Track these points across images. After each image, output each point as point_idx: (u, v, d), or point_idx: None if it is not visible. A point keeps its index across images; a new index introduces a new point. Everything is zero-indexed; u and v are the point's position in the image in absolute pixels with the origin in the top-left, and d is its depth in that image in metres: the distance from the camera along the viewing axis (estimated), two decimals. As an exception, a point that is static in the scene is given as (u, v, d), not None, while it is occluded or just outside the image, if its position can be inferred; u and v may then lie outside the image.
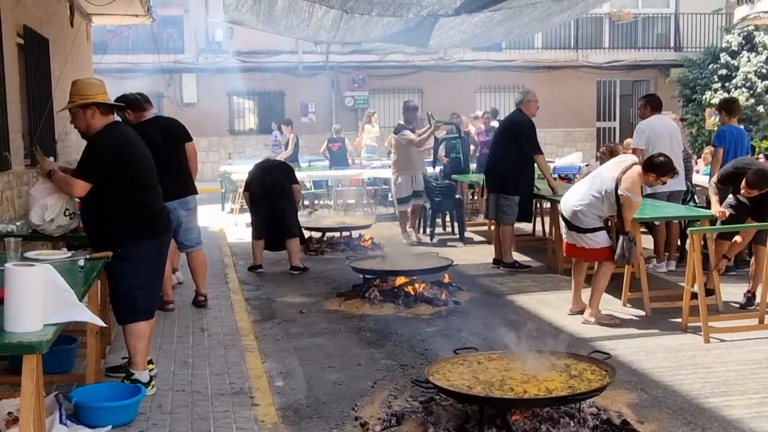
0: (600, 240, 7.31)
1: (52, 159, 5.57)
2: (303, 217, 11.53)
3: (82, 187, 5.07)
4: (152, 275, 5.35)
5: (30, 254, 5.04)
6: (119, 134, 5.24)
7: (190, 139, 7.84)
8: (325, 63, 22.48)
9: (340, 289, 8.90)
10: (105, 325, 4.00)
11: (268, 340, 7.05)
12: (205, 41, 22.25)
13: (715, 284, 7.65)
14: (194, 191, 7.84)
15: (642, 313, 7.67)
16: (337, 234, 12.10)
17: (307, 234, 12.05)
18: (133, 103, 7.36)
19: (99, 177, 5.04)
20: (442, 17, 11.48)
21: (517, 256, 10.27)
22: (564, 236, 7.75)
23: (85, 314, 3.44)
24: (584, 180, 7.79)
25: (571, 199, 7.47)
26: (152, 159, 5.41)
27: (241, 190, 13.94)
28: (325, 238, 12.00)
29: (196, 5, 21.87)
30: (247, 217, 12.11)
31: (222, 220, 14.93)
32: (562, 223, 7.68)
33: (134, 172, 5.15)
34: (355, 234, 12.12)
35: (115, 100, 7.58)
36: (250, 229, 10.79)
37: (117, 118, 5.67)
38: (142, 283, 5.22)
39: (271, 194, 9.98)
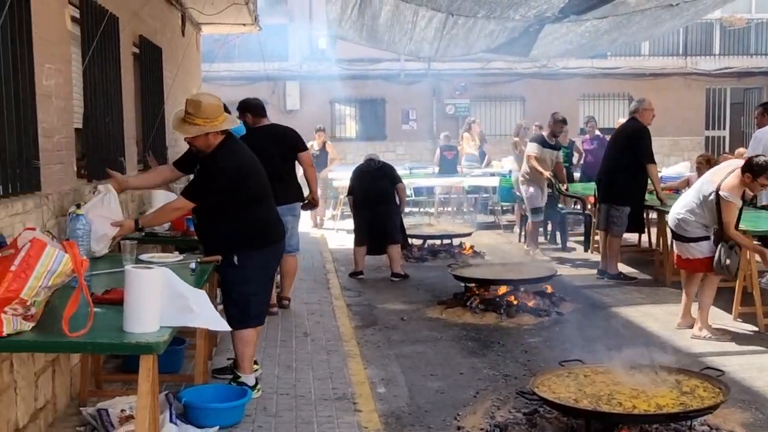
0: (704, 249, 7.06)
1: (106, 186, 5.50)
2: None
3: (191, 206, 5.16)
4: (264, 283, 5.50)
5: (144, 257, 5.20)
6: (237, 153, 5.25)
7: (305, 149, 8.01)
8: (426, 70, 22.50)
9: (440, 297, 8.88)
10: (228, 329, 4.07)
11: (370, 346, 7.09)
12: (309, 49, 22.58)
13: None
14: (301, 198, 7.97)
15: (754, 328, 7.38)
16: (437, 241, 12.07)
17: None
18: (256, 108, 7.80)
19: (216, 198, 5.13)
20: (548, 24, 11.35)
21: (622, 268, 10.04)
22: (672, 247, 7.55)
23: (199, 320, 3.51)
24: (691, 188, 7.57)
25: (676, 208, 7.29)
26: (264, 169, 5.47)
27: (342, 196, 14.10)
28: (425, 246, 12.00)
29: (300, 14, 22.23)
30: (348, 223, 12.21)
31: (323, 226, 15.10)
32: (670, 234, 7.49)
33: (251, 188, 5.25)
34: (455, 242, 12.07)
35: (238, 105, 7.90)
36: (350, 236, 10.86)
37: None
38: (255, 290, 5.35)
39: (374, 200, 10.04)
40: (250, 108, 7.75)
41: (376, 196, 10.06)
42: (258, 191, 5.31)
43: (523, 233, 12.80)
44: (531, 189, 11.45)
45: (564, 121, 11.67)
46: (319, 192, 9.14)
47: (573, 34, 12.01)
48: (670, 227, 7.40)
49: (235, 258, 5.17)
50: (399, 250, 10.32)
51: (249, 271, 5.24)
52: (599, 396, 4.73)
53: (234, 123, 5.29)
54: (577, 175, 14.72)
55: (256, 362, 5.74)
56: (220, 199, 5.11)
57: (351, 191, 10.49)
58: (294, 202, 7.81)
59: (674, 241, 7.35)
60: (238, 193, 5.13)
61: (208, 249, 5.26)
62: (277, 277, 8.67)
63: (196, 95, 5.15)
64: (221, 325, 3.73)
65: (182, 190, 5.31)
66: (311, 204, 8.14)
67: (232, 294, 5.31)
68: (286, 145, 7.76)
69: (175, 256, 5.20)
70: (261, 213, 5.35)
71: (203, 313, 3.56)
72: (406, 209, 16.91)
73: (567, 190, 11.81)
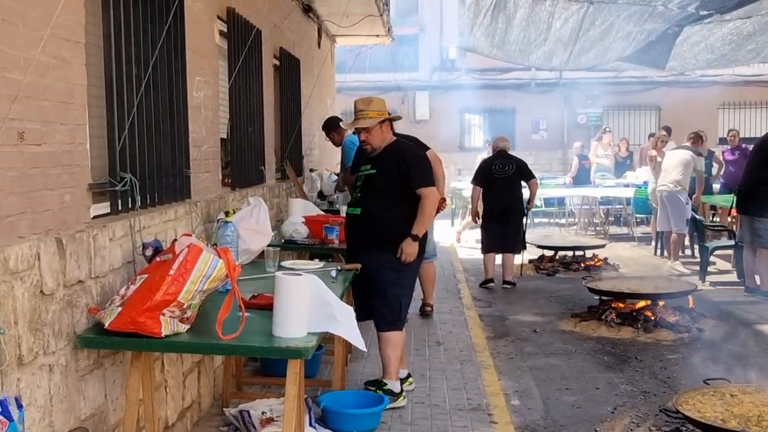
0: None
1: None
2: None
3: (435, 190, 5.42)
4: (412, 285, 5.67)
5: (285, 263, 5.34)
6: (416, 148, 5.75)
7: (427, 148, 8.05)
8: (558, 80, 22.21)
9: (574, 309, 8.73)
10: (364, 349, 4.11)
11: (503, 357, 7.03)
12: (439, 59, 22.67)
13: None
14: None
15: None
16: (570, 253, 11.87)
17: (539, 252, 11.98)
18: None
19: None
20: (687, 27, 11.00)
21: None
22: None
23: (342, 328, 3.58)
24: None
25: None
26: None
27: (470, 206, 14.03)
28: (557, 257, 11.82)
29: (431, 25, 22.35)
30: (476, 233, 12.17)
31: (452, 236, 15.08)
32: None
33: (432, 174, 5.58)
34: (588, 253, 11.84)
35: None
36: (479, 246, 10.80)
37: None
38: (407, 292, 5.52)
39: (504, 212, 9.98)
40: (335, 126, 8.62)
41: (506, 208, 9.99)
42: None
43: (659, 246, 12.43)
44: (683, 198, 11.17)
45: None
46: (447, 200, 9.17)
47: (714, 38, 11.60)
48: None
49: (395, 260, 5.30)
50: (512, 258, 10.32)
51: (405, 273, 5.40)
52: (748, 417, 4.54)
53: (398, 118, 5.73)
54: (716, 186, 14.18)
55: (410, 375, 5.83)
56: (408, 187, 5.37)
57: (477, 182, 10.37)
58: None
59: None
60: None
61: (365, 249, 5.36)
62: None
63: (363, 97, 5.53)
64: (359, 342, 3.77)
65: (414, 182, 5.34)
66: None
67: (387, 294, 5.39)
68: None
69: (316, 264, 5.32)
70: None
71: (346, 323, 3.63)
72: (536, 220, 16.88)
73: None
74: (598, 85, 21.97)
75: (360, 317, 5.57)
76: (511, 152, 10.60)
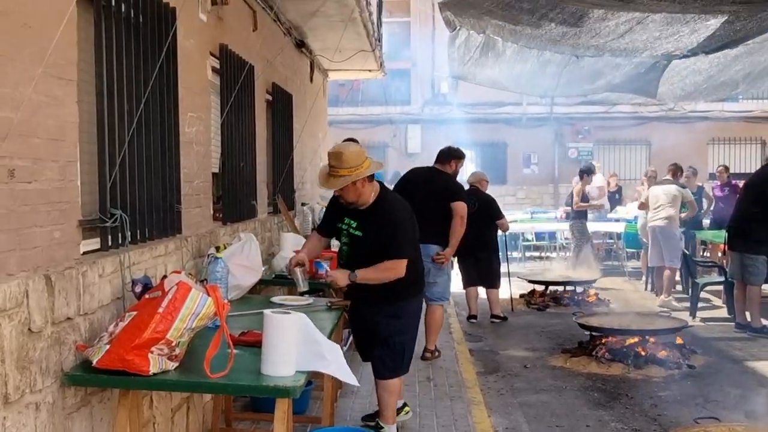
0: None
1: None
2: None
3: (404, 264, 5.01)
4: (416, 330, 5.48)
5: (275, 299, 5.34)
6: (401, 200, 5.28)
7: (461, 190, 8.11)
8: (549, 114, 22.36)
9: (564, 344, 8.72)
10: (357, 384, 4.07)
11: (493, 393, 7.01)
12: (431, 93, 22.83)
13: None
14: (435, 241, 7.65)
15: None
16: (560, 288, 11.88)
17: (530, 287, 12.00)
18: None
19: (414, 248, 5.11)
20: (676, 59, 11.10)
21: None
22: None
23: (332, 367, 3.57)
24: None
25: None
26: None
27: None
28: (548, 292, 11.83)
29: (423, 59, 22.53)
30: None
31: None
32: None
33: (415, 235, 5.25)
34: (579, 288, 11.85)
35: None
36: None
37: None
38: (410, 338, 5.34)
39: (477, 248, 9.97)
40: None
41: (478, 243, 9.99)
42: (416, 237, 5.29)
43: (649, 281, 12.45)
44: (677, 233, 11.24)
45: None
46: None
47: (701, 63, 11.69)
48: None
49: (397, 309, 5.14)
50: (497, 293, 10.37)
51: (408, 319, 5.24)
52: (738, 457, 4.54)
53: (379, 167, 5.15)
54: (706, 222, 14.25)
55: (405, 404, 5.76)
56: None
57: None
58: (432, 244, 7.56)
59: None
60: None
61: (364, 298, 5.12)
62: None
63: (337, 146, 5.11)
64: (350, 378, 3.70)
65: (390, 253, 5.00)
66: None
67: (390, 344, 5.20)
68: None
69: (306, 300, 5.31)
70: (418, 259, 5.35)
71: (335, 361, 3.62)
72: (528, 254, 16.92)
73: None
74: (589, 119, 22.16)
75: (365, 358, 5.53)
76: (486, 189, 10.58)
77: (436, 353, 8.10)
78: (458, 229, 7.65)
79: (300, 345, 3.42)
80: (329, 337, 4.42)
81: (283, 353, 3.35)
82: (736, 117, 22.16)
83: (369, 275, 4.94)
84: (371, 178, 5.03)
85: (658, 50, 10.04)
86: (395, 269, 4.96)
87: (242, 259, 5.22)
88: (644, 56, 10.43)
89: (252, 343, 3.82)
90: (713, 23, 8.02)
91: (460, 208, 7.67)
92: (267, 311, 3.46)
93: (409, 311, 5.25)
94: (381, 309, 5.13)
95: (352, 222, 5.11)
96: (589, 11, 7.91)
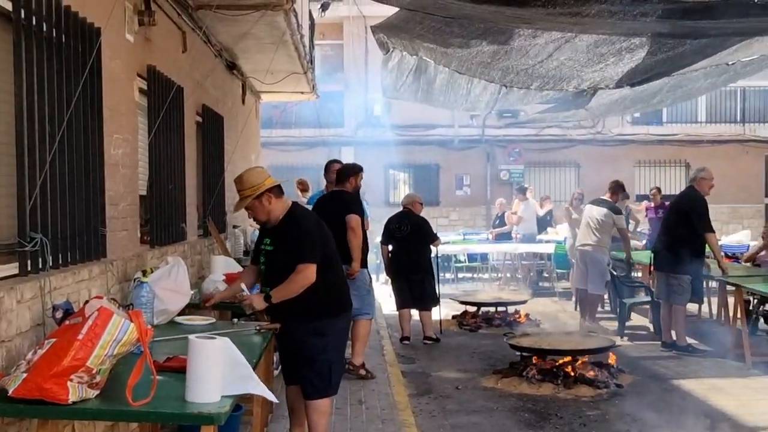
0: None
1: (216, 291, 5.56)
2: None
3: (313, 269, 4.99)
4: (343, 350, 5.47)
5: (179, 319, 5.21)
6: (310, 214, 5.37)
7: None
8: (480, 136, 22.61)
9: (496, 365, 8.78)
10: (276, 401, 4.05)
11: (425, 415, 7.02)
12: (364, 115, 22.90)
13: None
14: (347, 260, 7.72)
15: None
16: (492, 309, 11.97)
17: (462, 308, 12.08)
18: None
19: (322, 252, 5.08)
20: (601, 90, 11.34)
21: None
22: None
23: (259, 388, 3.54)
24: None
25: None
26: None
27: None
28: (480, 313, 11.91)
29: (356, 81, 22.61)
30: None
31: (377, 291, 15.05)
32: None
33: (330, 249, 5.24)
34: (510, 309, 11.96)
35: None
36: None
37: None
38: (336, 358, 5.29)
39: (410, 270, 10.04)
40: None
41: (411, 265, 10.06)
42: (334, 253, 5.29)
43: (578, 301, 12.61)
44: (606, 259, 11.04)
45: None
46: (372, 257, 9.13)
47: (627, 90, 11.96)
48: None
49: (320, 326, 5.11)
50: (430, 315, 10.41)
51: (332, 338, 5.19)
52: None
53: (278, 182, 5.19)
54: (642, 243, 14.56)
55: None
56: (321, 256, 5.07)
57: (383, 241, 10.48)
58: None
59: None
60: (321, 254, 5.10)
61: (286, 318, 5.07)
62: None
63: (240, 174, 5.19)
64: (271, 396, 3.72)
65: (296, 258, 5.01)
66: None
67: (315, 364, 5.16)
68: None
69: (209, 318, 5.21)
70: (338, 277, 5.34)
71: (260, 381, 3.58)
72: (460, 275, 17.04)
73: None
74: (520, 142, 22.46)
75: (288, 381, 5.49)
76: (420, 211, 10.59)
77: (364, 372, 8.05)
78: (353, 241, 7.73)
79: (225, 369, 3.37)
80: (258, 361, 4.37)
81: (208, 379, 3.28)
82: (661, 140, 22.72)
83: (282, 292, 4.99)
84: (279, 194, 5.12)
85: (584, 82, 10.24)
86: (303, 274, 4.97)
87: (170, 283, 5.12)
88: (571, 88, 10.62)
89: (177, 369, 3.74)
90: (638, 55, 8.22)
91: (351, 220, 7.78)
92: (191, 336, 3.40)
93: (334, 330, 5.21)
94: (305, 327, 5.10)
95: (267, 240, 5.21)
96: (518, 34, 8.04)
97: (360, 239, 7.81)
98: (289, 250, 5.02)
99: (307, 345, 5.14)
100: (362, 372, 8.03)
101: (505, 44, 8.33)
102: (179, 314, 5.28)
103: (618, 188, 11.34)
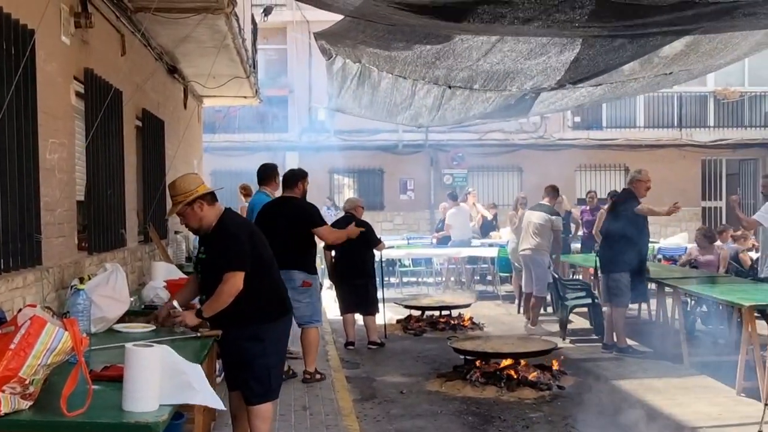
0: None
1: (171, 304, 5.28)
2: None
3: (240, 277, 4.94)
4: (283, 354, 5.44)
5: (118, 326, 5.11)
6: (242, 221, 5.34)
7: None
8: (424, 141, 22.73)
9: (440, 369, 8.81)
10: (223, 408, 3.99)
11: (369, 420, 7.00)
12: (308, 120, 22.84)
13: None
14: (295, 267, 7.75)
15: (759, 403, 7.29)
16: (436, 312, 12.01)
17: (406, 312, 12.09)
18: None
19: (251, 261, 5.01)
20: (544, 92, 11.49)
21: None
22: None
23: (200, 397, 3.48)
24: None
25: None
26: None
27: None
28: (424, 317, 11.94)
29: (300, 86, 22.55)
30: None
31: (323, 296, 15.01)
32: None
33: (265, 255, 5.20)
34: (454, 313, 12.01)
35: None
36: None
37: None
38: (275, 362, 5.26)
39: (354, 274, 10.02)
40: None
41: (355, 269, 10.02)
42: (268, 259, 5.25)
43: (521, 304, 12.73)
44: (546, 261, 11.35)
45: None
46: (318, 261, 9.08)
47: (569, 99, 12.13)
48: None
49: (256, 331, 5.08)
50: (374, 320, 10.41)
51: (270, 343, 5.15)
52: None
53: (211, 189, 5.16)
54: (576, 245, 14.75)
55: None
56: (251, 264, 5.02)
57: (326, 245, 10.35)
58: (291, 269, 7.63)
59: None
60: (254, 259, 5.06)
61: (223, 324, 5.02)
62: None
63: (174, 180, 5.14)
64: (218, 403, 3.65)
65: (223, 266, 4.97)
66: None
67: (253, 368, 5.14)
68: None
69: (152, 326, 5.13)
70: (274, 282, 5.31)
71: (203, 390, 3.52)
72: (405, 279, 17.08)
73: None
74: (463, 146, 22.64)
75: (230, 387, 5.45)
76: (362, 215, 10.55)
77: (317, 375, 8.09)
78: (328, 253, 8.10)
79: (164, 378, 3.30)
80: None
81: (145, 387, 3.22)
82: (601, 145, 23.10)
83: (212, 305, 4.94)
84: (213, 201, 5.05)
85: (527, 80, 10.36)
86: (230, 282, 4.91)
87: (108, 290, 5.02)
88: (513, 89, 10.74)
89: (115, 378, 3.66)
90: (568, 56, 8.34)
91: (325, 233, 8.02)
92: (128, 344, 3.33)
93: (272, 335, 5.18)
94: (242, 333, 5.07)
95: (201, 248, 5.19)
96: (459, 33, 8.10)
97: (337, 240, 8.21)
98: (218, 258, 4.98)
99: (246, 350, 5.12)
100: (318, 376, 8.10)
101: (447, 43, 8.37)
102: (118, 322, 5.19)
103: (555, 192, 11.79)
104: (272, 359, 5.21)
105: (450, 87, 10.95)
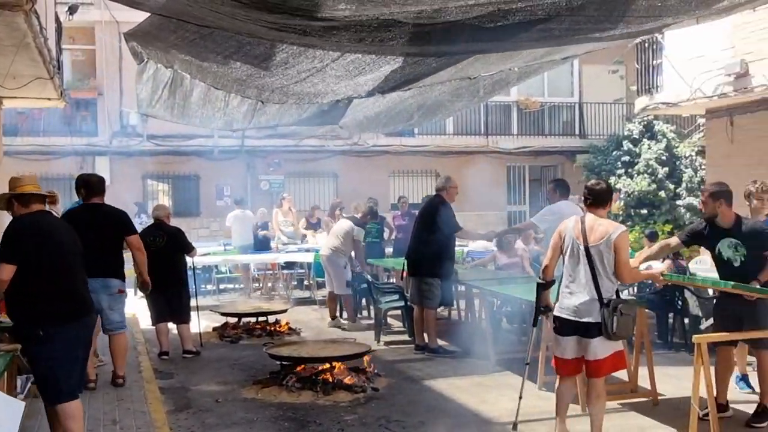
0: None
1: None
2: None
3: (6, 269, 5.10)
4: (75, 356, 5.38)
5: None
6: (32, 220, 5.37)
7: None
8: (240, 147, 22.51)
9: (257, 376, 8.80)
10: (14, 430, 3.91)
11: (183, 431, 6.89)
12: (119, 124, 22.06)
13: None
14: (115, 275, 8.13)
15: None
16: (253, 319, 11.96)
17: (222, 320, 11.97)
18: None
19: (20, 259, 5.11)
20: (356, 98, 11.73)
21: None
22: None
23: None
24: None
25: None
26: (78, 242, 5.57)
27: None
28: (241, 324, 11.86)
29: (110, 89, 21.73)
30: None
31: (134, 305, 14.56)
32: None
33: (54, 257, 5.25)
34: (271, 319, 12.02)
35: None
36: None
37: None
38: (64, 364, 5.26)
39: (167, 281, 9.78)
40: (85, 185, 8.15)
41: (167, 277, 9.76)
42: (59, 261, 5.31)
43: (337, 307, 12.94)
44: (345, 264, 12.24)
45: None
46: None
47: (380, 103, 12.45)
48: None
49: (40, 331, 5.10)
50: (188, 328, 10.32)
51: (57, 344, 5.17)
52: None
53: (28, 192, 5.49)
54: (389, 250, 15.11)
55: None
56: (22, 262, 5.11)
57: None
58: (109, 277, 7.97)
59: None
60: (39, 259, 5.16)
61: (16, 323, 5.23)
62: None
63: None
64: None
65: None
66: (144, 285, 8.44)
67: (40, 369, 5.25)
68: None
69: None
70: (68, 284, 5.33)
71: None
72: (221, 286, 16.89)
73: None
74: (280, 152, 22.61)
75: None
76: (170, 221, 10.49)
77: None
78: (141, 258, 8.22)
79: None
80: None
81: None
82: (413, 151, 23.76)
83: None
84: (28, 203, 5.40)
85: (338, 95, 10.54)
86: None
87: None
88: (326, 101, 10.89)
89: None
90: (385, 69, 8.57)
91: (136, 240, 8.23)
92: None
93: (62, 337, 5.20)
94: (32, 333, 5.15)
95: None
96: (274, 55, 8.09)
97: (145, 256, 8.30)
98: None
99: (32, 351, 5.23)
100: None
101: (259, 66, 8.38)
102: None
103: (372, 214, 13.47)
104: (57, 362, 5.23)
105: (262, 103, 10.98)
